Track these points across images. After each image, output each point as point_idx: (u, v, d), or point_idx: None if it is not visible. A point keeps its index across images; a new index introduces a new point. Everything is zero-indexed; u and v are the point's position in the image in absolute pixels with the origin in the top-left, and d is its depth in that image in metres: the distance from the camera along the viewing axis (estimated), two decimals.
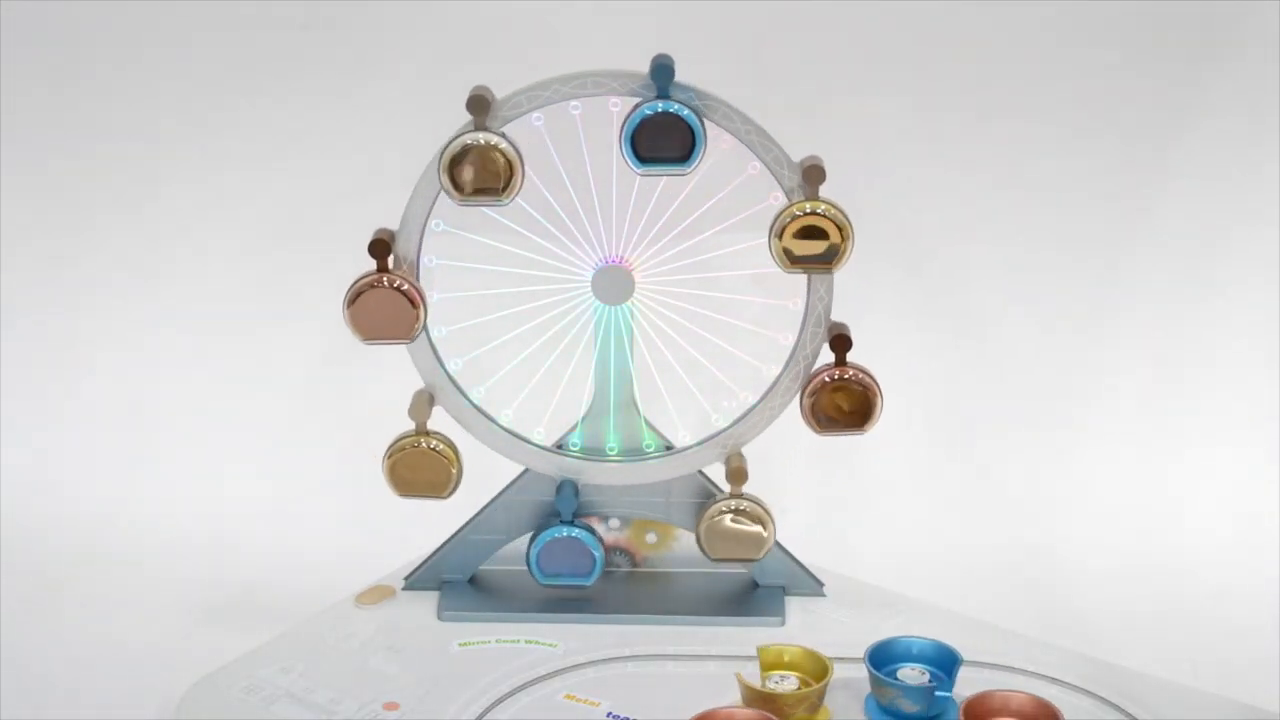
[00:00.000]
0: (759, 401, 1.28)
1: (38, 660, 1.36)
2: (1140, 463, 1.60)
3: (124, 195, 1.65)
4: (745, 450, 1.30)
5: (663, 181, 1.24)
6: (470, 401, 1.29)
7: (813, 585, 1.32)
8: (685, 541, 1.33)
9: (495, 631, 1.27)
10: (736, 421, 1.29)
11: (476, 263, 1.27)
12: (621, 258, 1.27)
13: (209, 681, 1.22)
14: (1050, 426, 1.62)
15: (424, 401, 1.27)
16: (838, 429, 1.26)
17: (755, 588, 1.32)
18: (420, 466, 1.27)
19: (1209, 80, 1.58)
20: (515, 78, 1.23)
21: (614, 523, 1.33)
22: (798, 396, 1.26)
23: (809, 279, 1.25)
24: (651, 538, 1.34)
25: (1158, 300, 1.62)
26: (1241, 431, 1.60)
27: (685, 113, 1.20)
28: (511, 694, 1.19)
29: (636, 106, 1.20)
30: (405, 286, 1.23)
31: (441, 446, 1.27)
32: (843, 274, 1.25)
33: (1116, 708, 1.17)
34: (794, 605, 1.31)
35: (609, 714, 1.17)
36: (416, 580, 1.33)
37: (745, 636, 1.25)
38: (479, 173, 1.21)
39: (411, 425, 1.27)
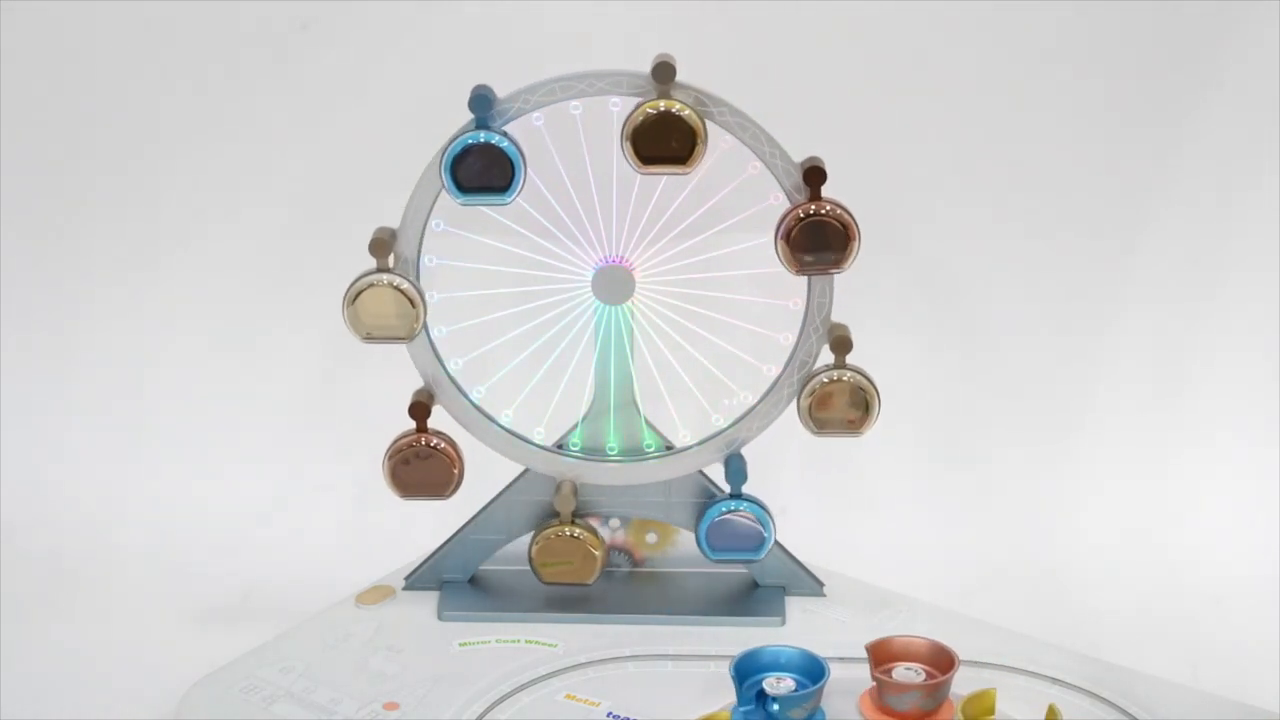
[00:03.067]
0: (759, 401, 1.28)
1: (38, 660, 1.36)
2: (1140, 464, 1.60)
3: (124, 196, 1.65)
4: (745, 451, 1.30)
5: (663, 181, 1.24)
6: (470, 401, 1.29)
7: (813, 585, 1.32)
8: (685, 541, 1.33)
9: (495, 631, 1.27)
10: (736, 421, 1.29)
11: (476, 263, 1.27)
12: (621, 258, 1.27)
13: (209, 681, 1.22)
14: (1050, 428, 1.62)
15: (569, 493, 1.28)
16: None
17: (755, 588, 1.32)
18: (565, 553, 1.29)
19: (1210, 81, 1.58)
20: (515, 77, 1.23)
21: (614, 523, 1.33)
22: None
23: (808, 284, 1.25)
24: (652, 538, 1.34)
25: (1159, 303, 1.62)
26: (1242, 433, 1.59)
27: (504, 144, 1.20)
28: (511, 694, 1.19)
29: (458, 135, 1.21)
30: (441, 445, 1.27)
31: (584, 534, 1.29)
32: (843, 277, 1.25)
33: (1116, 708, 1.17)
34: (794, 605, 1.31)
35: (609, 714, 1.17)
36: (416, 580, 1.33)
37: (745, 636, 1.25)
38: (380, 312, 1.23)
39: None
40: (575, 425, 1.30)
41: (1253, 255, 1.60)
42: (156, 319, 1.66)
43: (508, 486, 1.31)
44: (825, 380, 1.25)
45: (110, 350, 1.66)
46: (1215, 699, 1.20)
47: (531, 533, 1.31)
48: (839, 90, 1.59)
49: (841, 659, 1.18)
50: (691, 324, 1.28)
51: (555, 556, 1.29)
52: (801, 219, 1.22)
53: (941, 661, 1.16)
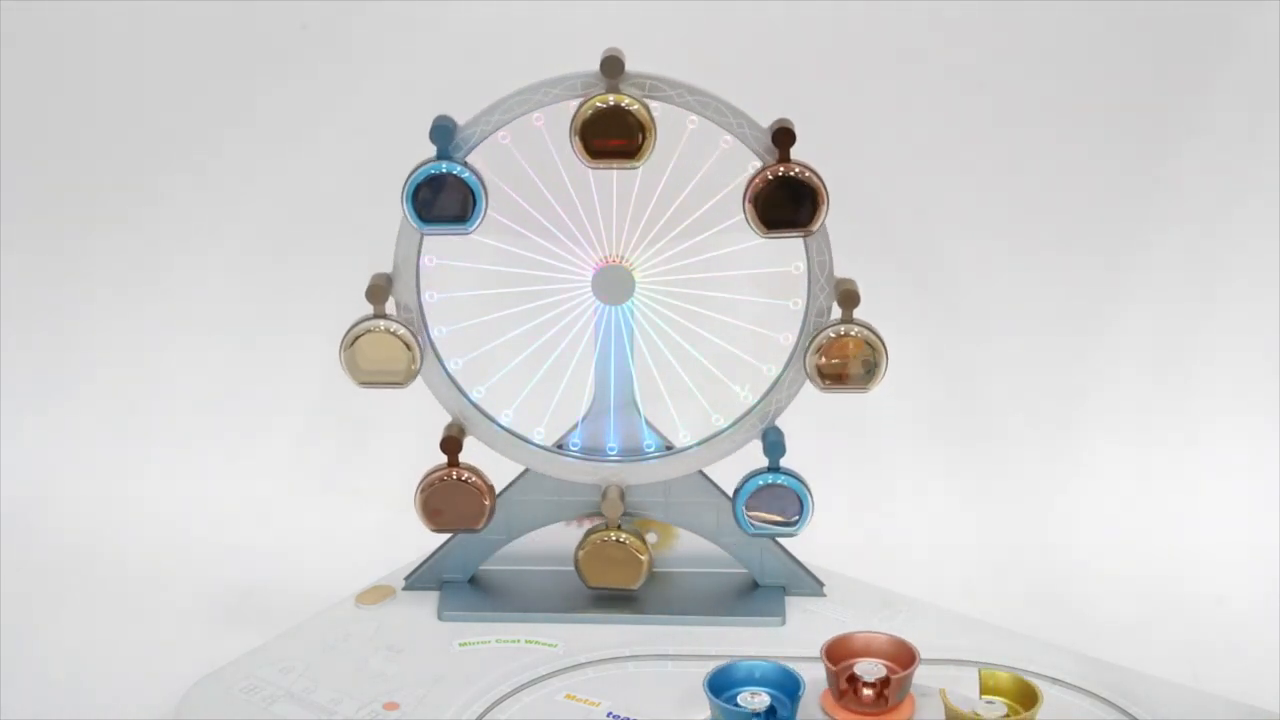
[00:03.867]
0: (759, 401, 1.28)
1: (38, 660, 1.36)
2: (1142, 464, 1.60)
3: (124, 197, 1.65)
4: (744, 450, 1.29)
5: (663, 181, 1.24)
6: (470, 401, 1.29)
7: (813, 585, 1.32)
8: (685, 541, 1.33)
9: (495, 631, 1.27)
10: (736, 421, 1.29)
11: (476, 263, 1.27)
12: (621, 258, 1.27)
13: (209, 681, 1.22)
14: (1051, 428, 1.62)
15: (616, 498, 1.29)
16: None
17: (755, 588, 1.32)
18: (612, 558, 1.30)
19: (1210, 80, 1.58)
20: (514, 78, 1.23)
21: None
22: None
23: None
24: (652, 538, 1.34)
25: (1161, 302, 1.62)
26: (1243, 433, 1.60)
27: (465, 175, 1.21)
28: (511, 694, 1.19)
29: (420, 165, 1.22)
30: (473, 479, 1.28)
31: (631, 540, 1.29)
32: (846, 276, 1.25)
33: (1116, 708, 1.17)
34: (794, 605, 1.30)
35: (609, 714, 1.17)
36: (416, 580, 1.33)
37: (745, 636, 1.25)
38: (376, 357, 1.25)
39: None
40: (575, 425, 1.30)
41: (1254, 254, 1.60)
42: (157, 319, 1.66)
43: (508, 486, 1.31)
44: (833, 335, 1.25)
45: (111, 350, 1.66)
46: (1215, 699, 1.20)
47: (534, 531, 1.31)
48: (839, 89, 1.59)
49: None
50: (691, 324, 1.28)
51: (603, 562, 1.29)
52: (770, 180, 1.22)
53: (902, 656, 1.16)
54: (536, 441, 1.30)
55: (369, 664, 1.23)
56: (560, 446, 1.31)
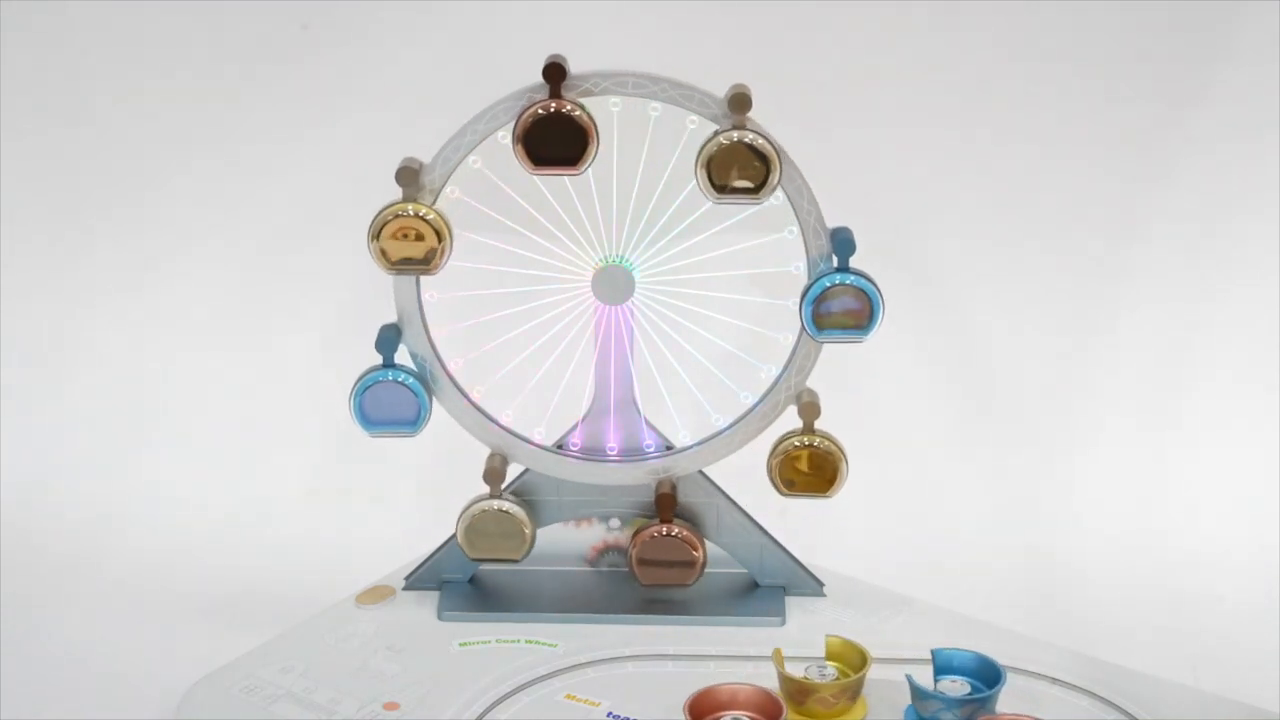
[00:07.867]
0: (759, 401, 1.28)
1: (38, 660, 1.36)
2: (1141, 464, 1.60)
3: (123, 197, 1.65)
4: (745, 450, 1.29)
5: (663, 181, 1.24)
6: (470, 401, 1.29)
7: (813, 585, 1.32)
8: None
9: (495, 631, 1.27)
10: (736, 422, 1.29)
11: (476, 262, 1.27)
12: (621, 258, 1.27)
13: (209, 681, 1.22)
14: (1051, 428, 1.62)
15: (812, 400, 1.28)
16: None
17: (755, 588, 1.32)
18: (815, 467, 1.29)
19: (1208, 80, 1.58)
20: (514, 78, 1.23)
21: (614, 523, 1.33)
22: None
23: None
24: None
25: (1159, 303, 1.62)
26: (1243, 433, 1.60)
27: (410, 382, 1.25)
28: (511, 694, 1.19)
29: (367, 373, 1.25)
30: (684, 535, 1.28)
31: (827, 444, 1.28)
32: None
33: (1116, 708, 1.17)
34: (794, 605, 1.30)
35: (609, 714, 1.17)
36: (416, 580, 1.33)
37: (745, 636, 1.25)
38: (489, 532, 1.28)
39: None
40: (575, 425, 1.30)
41: (1254, 255, 1.61)
42: (157, 317, 1.66)
43: (507, 486, 1.31)
44: (724, 141, 1.20)
45: (110, 348, 1.66)
46: (1215, 699, 1.20)
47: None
48: (835, 94, 1.59)
49: None
50: (691, 324, 1.28)
51: (800, 469, 1.28)
52: (539, 115, 1.20)
53: (769, 707, 1.13)
54: (536, 441, 1.30)
55: (369, 664, 1.23)
56: (560, 446, 1.31)
